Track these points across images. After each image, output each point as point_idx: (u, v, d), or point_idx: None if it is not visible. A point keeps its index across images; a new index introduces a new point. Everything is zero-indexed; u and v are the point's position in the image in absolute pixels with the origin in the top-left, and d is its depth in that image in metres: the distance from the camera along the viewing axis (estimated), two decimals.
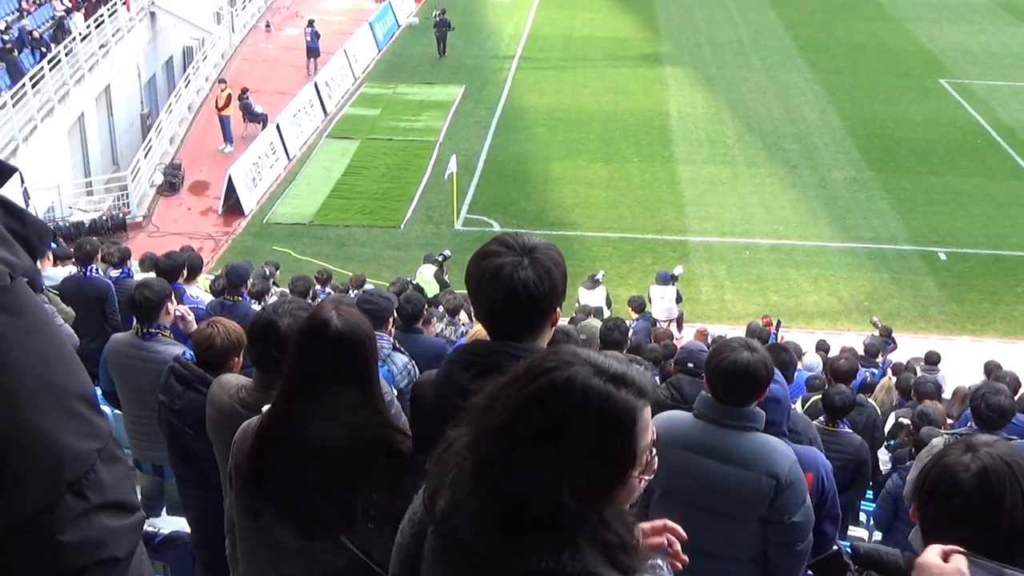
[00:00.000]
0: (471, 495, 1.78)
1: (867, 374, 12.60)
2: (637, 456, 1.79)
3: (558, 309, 2.68)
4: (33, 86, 21.72)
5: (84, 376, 1.49)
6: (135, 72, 28.40)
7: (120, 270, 9.99)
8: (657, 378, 8.32)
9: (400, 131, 28.57)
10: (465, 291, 2.94)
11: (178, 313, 6.22)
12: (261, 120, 27.08)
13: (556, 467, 1.71)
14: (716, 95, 31.99)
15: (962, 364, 14.76)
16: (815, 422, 6.86)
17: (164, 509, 6.16)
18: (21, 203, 10.22)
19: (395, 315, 6.82)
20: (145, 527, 4.83)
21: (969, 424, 6.62)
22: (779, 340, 13.47)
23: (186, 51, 32.12)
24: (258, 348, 3.68)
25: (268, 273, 15.07)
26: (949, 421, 9.17)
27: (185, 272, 9.55)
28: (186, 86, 29.24)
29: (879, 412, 9.66)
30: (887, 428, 9.36)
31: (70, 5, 27.50)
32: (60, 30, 25.74)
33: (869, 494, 8.35)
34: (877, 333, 16.38)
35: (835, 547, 3.22)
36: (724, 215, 23.81)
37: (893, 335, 16.69)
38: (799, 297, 20.51)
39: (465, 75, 33.07)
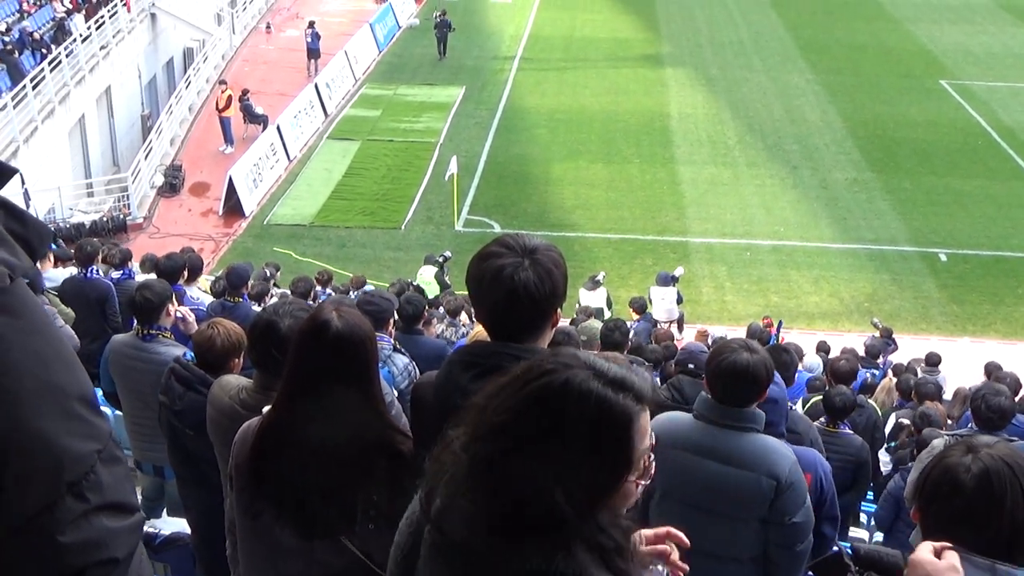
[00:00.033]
0: (465, 494, 1.78)
1: (868, 375, 12.59)
2: (633, 461, 1.79)
3: (559, 310, 2.68)
4: (34, 87, 21.73)
5: (84, 377, 1.49)
6: (136, 73, 28.40)
7: (121, 271, 9.99)
8: (658, 379, 8.31)
9: (401, 132, 28.58)
10: (466, 292, 2.94)
11: (179, 315, 6.23)
12: (262, 121, 27.09)
13: (551, 469, 1.70)
14: (717, 96, 31.99)
15: (963, 365, 14.76)
16: (816, 423, 6.86)
17: (165, 510, 6.17)
18: (22, 204, 10.22)
19: (396, 316, 6.82)
20: (146, 528, 4.83)
21: (969, 425, 6.62)
22: (780, 341, 13.47)
23: (187, 52, 32.13)
24: (259, 349, 3.69)
25: (269, 274, 15.08)
26: (949, 422, 9.17)
27: (186, 273, 9.55)
28: (187, 87, 29.25)
29: (879, 413, 9.67)
30: (887, 429, 9.36)
31: (71, 6, 27.51)
32: (61, 31, 25.75)
33: (869, 495, 8.35)
34: (878, 334, 16.38)
35: (835, 548, 3.22)
36: (725, 216, 23.81)
37: (894, 336, 16.68)
38: (800, 298, 20.51)
39: (466, 76, 33.08)
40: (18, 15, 25.55)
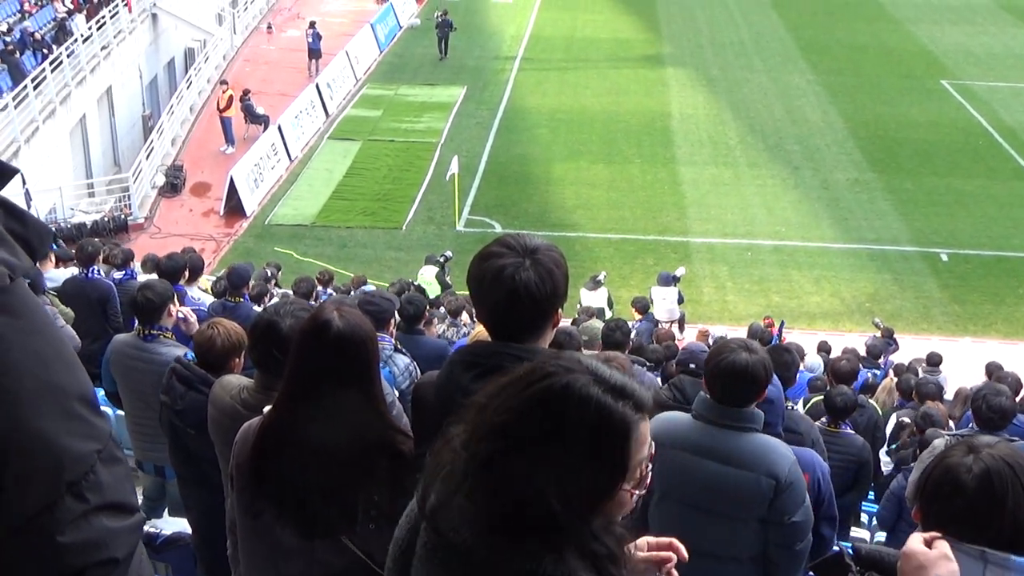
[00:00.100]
0: (462, 492, 1.78)
1: (869, 375, 12.59)
2: (629, 469, 1.78)
3: (560, 310, 2.68)
4: (35, 87, 21.74)
5: (84, 377, 1.49)
6: (137, 73, 28.41)
7: (124, 272, 9.99)
8: (659, 379, 8.31)
9: (402, 132, 28.58)
10: (467, 292, 2.94)
11: (180, 315, 6.22)
12: (263, 121, 27.10)
13: (546, 472, 1.70)
14: (718, 96, 31.98)
15: (964, 365, 14.75)
16: (817, 423, 6.86)
17: (166, 510, 6.17)
18: (23, 205, 10.26)
19: (397, 316, 6.82)
20: (147, 528, 4.85)
21: (970, 425, 6.62)
22: (781, 341, 13.46)
23: (188, 52, 32.13)
24: (260, 349, 3.68)
25: (270, 274, 15.08)
26: (951, 423, 9.16)
27: (187, 274, 9.55)
28: (188, 87, 29.26)
29: (880, 413, 9.66)
30: (889, 430, 9.36)
31: (72, 7, 27.53)
32: (62, 31, 25.76)
33: (870, 495, 8.34)
34: (879, 334, 16.37)
35: (837, 548, 3.21)
36: (726, 216, 23.81)
37: (895, 336, 16.68)
38: (801, 298, 20.50)
39: (467, 76, 33.08)
40: (19, 15, 25.56)
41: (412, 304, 7.73)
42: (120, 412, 6.45)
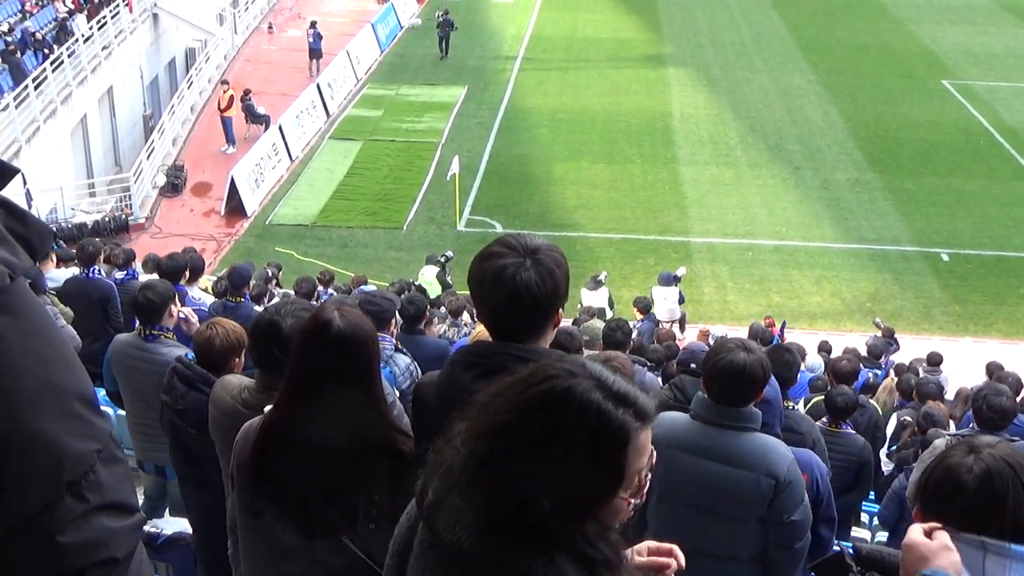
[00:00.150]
0: (459, 490, 1.78)
1: (870, 375, 12.59)
2: (626, 477, 1.77)
3: (561, 310, 2.69)
4: (36, 87, 21.74)
5: (84, 377, 1.49)
6: (138, 73, 28.41)
7: (125, 272, 10.00)
8: (660, 379, 8.31)
9: (403, 132, 28.58)
10: (467, 292, 2.94)
11: (182, 315, 6.22)
12: (263, 121, 27.10)
13: (543, 474, 1.70)
14: (719, 96, 31.98)
15: (964, 365, 14.75)
16: (818, 423, 6.86)
17: (167, 510, 6.17)
18: (24, 204, 10.26)
19: (397, 316, 6.82)
20: (148, 528, 4.85)
21: (971, 425, 6.61)
22: (782, 341, 13.46)
23: (188, 52, 32.14)
24: (260, 349, 3.68)
25: (271, 275, 15.08)
26: (952, 424, 9.16)
27: (187, 274, 9.55)
28: (188, 87, 29.27)
29: (880, 413, 9.66)
30: (889, 430, 9.36)
31: (73, 7, 27.55)
32: (63, 31, 25.78)
33: (871, 495, 8.34)
34: (880, 334, 16.37)
35: (837, 548, 3.21)
36: (727, 216, 23.81)
37: (896, 336, 16.68)
38: (802, 298, 20.50)
39: (468, 76, 33.08)
40: (20, 15, 25.58)
41: (413, 304, 7.72)
42: (121, 412, 6.45)
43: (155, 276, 9.32)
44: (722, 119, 29.99)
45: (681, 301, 17.57)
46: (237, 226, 23.24)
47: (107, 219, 22.28)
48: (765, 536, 3.95)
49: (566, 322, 7.71)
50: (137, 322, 6.12)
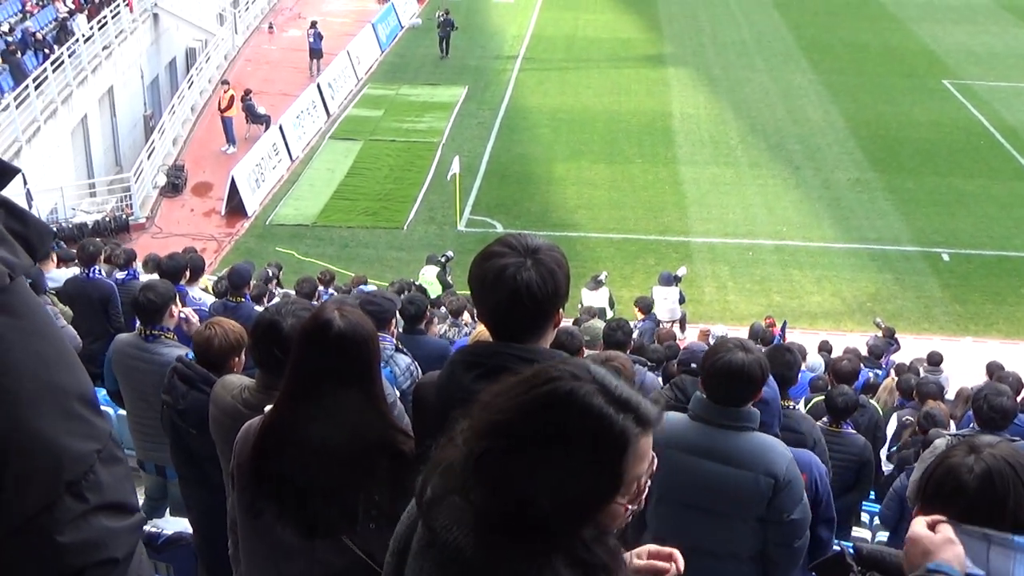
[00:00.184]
0: (458, 488, 1.78)
1: (870, 375, 12.59)
2: (624, 483, 1.77)
3: (561, 310, 2.69)
4: (36, 88, 21.75)
5: (84, 377, 1.49)
6: (138, 73, 28.42)
7: (126, 272, 10.01)
8: (660, 379, 8.31)
9: (403, 132, 28.58)
10: (468, 292, 2.94)
11: (182, 316, 6.22)
12: (264, 121, 27.10)
13: (543, 475, 1.70)
14: (719, 96, 31.98)
15: (965, 365, 14.75)
16: (818, 423, 6.86)
17: (167, 510, 6.17)
18: (24, 204, 10.24)
19: (398, 316, 6.82)
20: (149, 528, 4.85)
21: (971, 425, 6.61)
22: (784, 341, 13.46)
23: (189, 52, 32.15)
24: (261, 348, 3.68)
25: (271, 274, 15.08)
26: (952, 424, 9.16)
27: (188, 274, 9.55)
28: (189, 87, 29.27)
29: (881, 413, 9.66)
30: (890, 430, 9.35)
31: (73, 7, 27.55)
32: (63, 32, 25.78)
33: (871, 495, 8.34)
34: (880, 334, 16.36)
35: (838, 548, 3.21)
36: (727, 216, 23.80)
37: (896, 336, 16.67)
38: (802, 298, 20.50)
39: (468, 76, 33.08)
40: (21, 15, 25.59)
41: (413, 304, 7.72)
42: (122, 411, 6.45)
43: (155, 276, 9.31)
44: (723, 119, 29.99)
45: (682, 301, 17.57)
46: (237, 226, 23.25)
47: (107, 219, 22.28)
48: (764, 535, 3.95)
49: (566, 322, 7.71)
50: (138, 322, 6.12)
